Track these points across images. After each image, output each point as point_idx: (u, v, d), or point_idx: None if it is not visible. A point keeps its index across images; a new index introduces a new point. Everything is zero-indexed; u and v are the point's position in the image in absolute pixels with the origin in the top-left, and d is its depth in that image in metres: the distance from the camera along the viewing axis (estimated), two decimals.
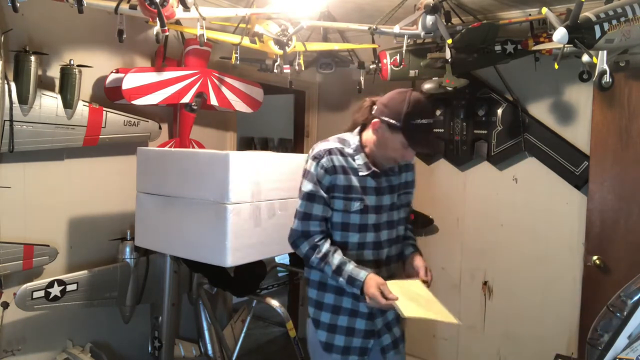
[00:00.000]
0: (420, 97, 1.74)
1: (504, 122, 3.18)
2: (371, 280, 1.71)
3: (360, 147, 1.85)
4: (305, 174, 1.84)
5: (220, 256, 2.14)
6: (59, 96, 2.31)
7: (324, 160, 1.79)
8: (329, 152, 1.81)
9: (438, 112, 3.40)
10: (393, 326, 1.92)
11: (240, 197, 2.14)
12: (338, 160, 1.81)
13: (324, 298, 1.89)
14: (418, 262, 1.89)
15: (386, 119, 1.74)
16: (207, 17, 2.46)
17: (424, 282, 1.85)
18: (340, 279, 1.76)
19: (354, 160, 1.83)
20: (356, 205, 1.81)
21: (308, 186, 1.81)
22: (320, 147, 1.84)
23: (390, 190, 1.89)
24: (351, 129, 1.93)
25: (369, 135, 1.85)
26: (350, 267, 1.75)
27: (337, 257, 1.77)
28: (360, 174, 1.82)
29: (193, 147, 2.95)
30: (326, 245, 1.80)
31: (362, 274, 1.73)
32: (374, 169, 1.83)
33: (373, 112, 1.81)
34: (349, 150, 1.84)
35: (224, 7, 2.93)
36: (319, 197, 1.80)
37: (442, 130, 3.39)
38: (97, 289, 2.49)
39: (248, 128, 6.03)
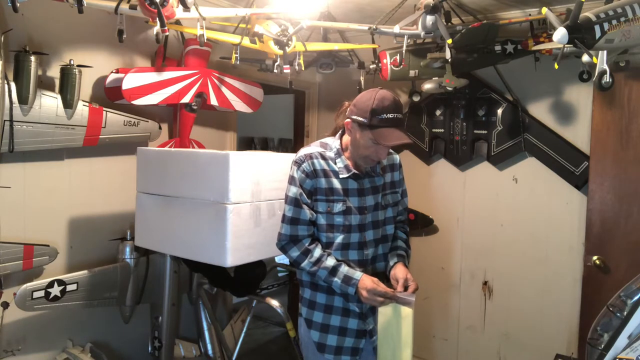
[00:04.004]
0: (387, 94, 1.76)
1: (504, 122, 3.18)
2: (366, 278, 1.77)
3: (341, 150, 1.88)
4: (290, 179, 1.89)
5: (220, 256, 2.14)
6: (59, 96, 2.31)
7: (304, 165, 1.84)
8: (310, 156, 1.86)
9: (438, 112, 3.41)
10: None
11: (240, 197, 2.14)
12: (319, 164, 1.85)
13: (317, 297, 1.91)
14: (398, 273, 1.84)
15: (355, 117, 1.78)
16: (207, 17, 2.46)
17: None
18: (335, 279, 1.79)
19: (335, 163, 1.86)
20: (338, 207, 1.84)
21: (293, 190, 1.85)
22: (301, 152, 1.89)
23: (374, 191, 1.90)
24: (333, 133, 1.98)
25: (347, 137, 1.88)
26: (345, 268, 1.81)
27: (331, 260, 1.81)
28: (341, 176, 1.85)
29: (193, 147, 2.95)
30: (318, 250, 1.83)
31: (357, 273, 1.79)
32: (354, 171, 1.85)
33: (346, 113, 1.85)
34: (330, 154, 1.88)
35: (224, 7, 2.93)
36: (304, 201, 1.84)
37: (442, 130, 3.39)
38: (97, 289, 2.49)
39: (248, 128, 6.04)
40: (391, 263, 1.91)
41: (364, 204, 1.87)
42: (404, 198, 2.06)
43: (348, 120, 1.82)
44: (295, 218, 1.84)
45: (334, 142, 1.91)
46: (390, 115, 1.73)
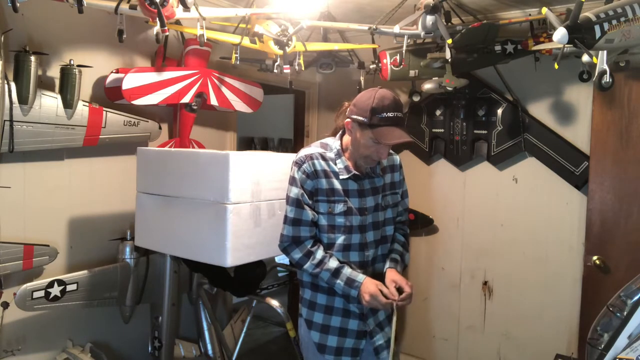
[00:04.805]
0: (387, 93, 1.76)
1: (504, 122, 3.18)
2: (369, 282, 1.77)
3: (341, 151, 1.88)
4: (290, 180, 1.88)
5: (220, 256, 2.14)
6: (59, 96, 2.31)
7: (305, 166, 1.84)
8: (310, 157, 1.85)
9: (438, 112, 3.41)
10: (385, 326, 1.92)
11: (240, 197, 2.14)
12: (319, 164, 1.85)
13: (317, 298, 1.90)
14: (386, 280, 1.83)
15: (355, 117, 1.78)
16: (207, 17, 2.46)
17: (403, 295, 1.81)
18: (338, 281, 1.79)
19: (335, 164, 1.86)
20: (340, 207, 1.83)
21: (294, 191, 1.85)
22: (302, 152, 1.89)
23: (374, 191, 1.90)
24: (334, 134, 1.98)
25: (348, 138, 1.88)
26: (349, 270, 1.80)
27: (333, 262, 1.81)
28: (341, 177, 1.85)
29: (193, 147, 2.95)
30: (320, 252, 1.83)
31: (360, 276, 1.79)
32: (354, 172, 1.85)
33: (346, 113, 1.85)
34: (330, 155, 1.88)
35: (224, 7, 2.93)
36: (305, 202, 1.83)
37: (442, 130, 3.39)
38: (97, 289, 2.49)
39: (248, 128, 6.04)
40: (384, 269, 1.90)
41: (364, 204, 1.87)
42: (404, 199, 2.05)
43: (348, 120, 1.82)
44: (297, 219, 1.84)
45: (334, 143, 1.91)
46: (390, 114, 1.72)
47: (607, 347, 1.54)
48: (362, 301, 1.77)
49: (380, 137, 1.73)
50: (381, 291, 1.75)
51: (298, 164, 1.86)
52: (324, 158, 1.87)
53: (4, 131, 2.13)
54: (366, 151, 1.80)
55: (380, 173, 1.93)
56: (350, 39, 3.52)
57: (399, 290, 1.79)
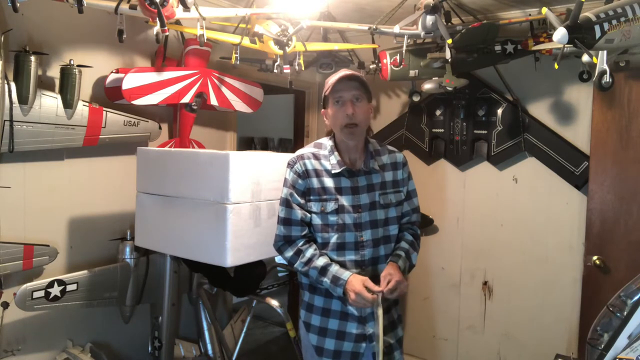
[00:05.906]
0: (342, 70, 1.89)
1: (504, 122, 3.18)
2: (355, 279, 1.75)
3: (334, 147, 1.91)
4: (284, 181, 1.91)
5: (220, 256, 2.14)
6: (59, 96, 2.31)
7: (296, 166, 1.88)
8: (302, 157, 1.89)
9: (438, 112, 3.41)
10: (387, 331, 1.86)
11: (240, 197, 2.14)
12: (311, 164, 1.88)
13: (314, 300, 1.90)
14: (384, 271, 1.80)
15: (323, 102, 1.93)
16: (207, 17, 2.46)
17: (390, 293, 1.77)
18: (325, 279, 1.78)
19: (328, 160, 1.88)
20: (331, 206, 1.84)
21: (284, 191, 1.89)
22: (295, 153, 1.93)
23: (370, 188, 1.88)
24: (328, 134, 2.00)
25: (339, 134, 1.92)
26: (335, 268, 1.79)
27: (321, 260, 1.81)
28: (334, 171, 1.86)
29: (193, 147, 2.95)
30: (310, 250, 1.83)
31: (346, 273, 1.77)
32: (346, 166, 1.86)
33: None
34: (324, 152, 1.90)
35: (224, 7, 2.93)
36: (296, 202, 1.85)
37: (442, 130, 3.39)
38: (97, 289, 2.49)
39: (248, 128, 6.04)
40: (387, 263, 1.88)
41: (357, 202, 1.85)
42: (412, 198, 2.00)
43: (322, 110, 1.94)
44: (287, 218, 1.86)
45: (328, 142, 1.93)
46: (340, 75, 1.84)
47: (607, 347, 1.54)
48: (349, 300, 1.74)
49: (330, 88, 1.84)
50: (367, 287, 1.72)
51: (290, 164, 1.90)
52: (316, 157, 1.89)
53: (4, 131, 2.13)
54: (337, 120, 1.85)
55: (377, 169, 1.91)
56: (350, 39, 3.52)
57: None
